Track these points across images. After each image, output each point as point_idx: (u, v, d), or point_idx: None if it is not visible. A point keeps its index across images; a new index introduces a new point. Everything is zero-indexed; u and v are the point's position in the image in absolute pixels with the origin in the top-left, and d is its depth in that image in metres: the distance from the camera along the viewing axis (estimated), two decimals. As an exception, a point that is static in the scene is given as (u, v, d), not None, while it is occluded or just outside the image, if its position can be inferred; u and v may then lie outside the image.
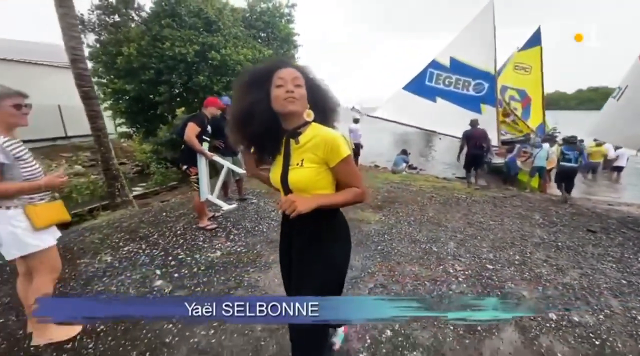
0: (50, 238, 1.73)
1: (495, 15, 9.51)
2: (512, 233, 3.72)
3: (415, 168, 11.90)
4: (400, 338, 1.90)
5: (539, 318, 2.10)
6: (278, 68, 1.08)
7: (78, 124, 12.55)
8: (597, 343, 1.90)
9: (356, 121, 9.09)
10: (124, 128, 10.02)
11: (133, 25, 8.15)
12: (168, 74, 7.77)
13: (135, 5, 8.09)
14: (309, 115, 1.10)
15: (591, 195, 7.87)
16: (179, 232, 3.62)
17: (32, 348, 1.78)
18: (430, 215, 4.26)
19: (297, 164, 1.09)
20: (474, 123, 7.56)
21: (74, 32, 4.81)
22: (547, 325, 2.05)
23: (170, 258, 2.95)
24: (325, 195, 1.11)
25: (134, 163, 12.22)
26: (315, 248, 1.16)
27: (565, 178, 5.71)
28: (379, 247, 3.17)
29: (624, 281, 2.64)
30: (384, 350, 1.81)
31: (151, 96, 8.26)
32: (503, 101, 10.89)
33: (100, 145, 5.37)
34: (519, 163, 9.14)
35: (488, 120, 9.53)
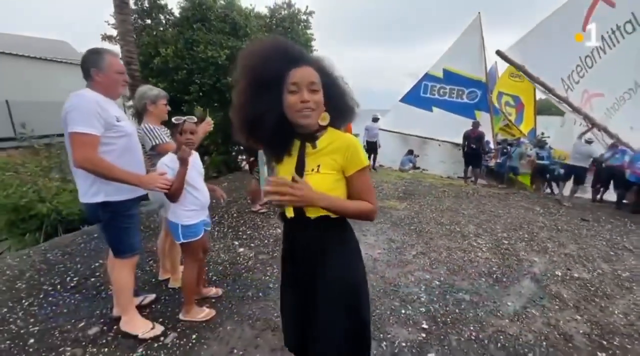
0: None
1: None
2: (519, 219, 4.38)
3: (418, 168, 12.57)
4: (446, 284, 2.52)
5: (548, 274, 2.76)
6: (292, 67, 0.91)
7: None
8: (592, 289, 2.55)
9: (375, 120, 9.08)
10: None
11: (161, 28, 8.64)
12: (199, 75, 8.28)
13: (167, 10, 8.60)
14: (324, 118, 0.96)
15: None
16: (235, 214, 4.18)
17: (170, 289, 2.35)
18: (447, 205, 4.91)
19: (313, 170, 0.96)
20: (475, 124, 8.27)
21: (129, 37, 5.34)
22: (554, 278, 2.70)
23: (240, 233, 3.52)
24: (337, 198, 0.96)
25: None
26: (332, 275, 0.99)
27: (539, 173, 6.51)
28: (412, 227, 3.79)
29: (612, 253, 3.32)
30: (437, 292, 2.43)
31: (178, 95, 8.72)
32: (500, 106, 11.64)
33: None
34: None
35: (483, 125, 10.35)
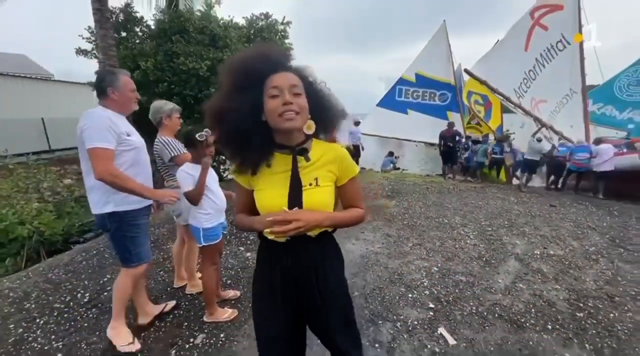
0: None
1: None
2: (498, 208, 4.81)
3: (399, 168, 13.08)
4: (444, 269, 2.79)
5: (529, 253, 3.11)
6: (272, 72, 0.86)
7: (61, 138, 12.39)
8: (566, 263, 2.93)
9: (357, 123, 9.57)
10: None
11: (138, 41, 8.54)
12: (181, 87, 8.27)
13: (143, 23, 8.53)
14: (309, 127, 0.90)
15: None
16: (233, 221, 4.25)
17: (188, 295, 2.43)
18: (433, 200, 5.26)
19: (311, 184, 0.91)
20: (449, 124, 8.85)
21: (112, 51, 5.28)
22: (534, 257, 3.05)
23: (243, 239, 3.62)
24: (335, 213, 0.96)
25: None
26: (334, 281, 1.01)
27: (495, 165, 7.96)
28: (405, 222, 4.07)
29: (579, 232, 3.77)
30: (436, 276, 2.68)
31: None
32: (470, 105, 12.46)
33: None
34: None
35: (456, 124, 11.09)
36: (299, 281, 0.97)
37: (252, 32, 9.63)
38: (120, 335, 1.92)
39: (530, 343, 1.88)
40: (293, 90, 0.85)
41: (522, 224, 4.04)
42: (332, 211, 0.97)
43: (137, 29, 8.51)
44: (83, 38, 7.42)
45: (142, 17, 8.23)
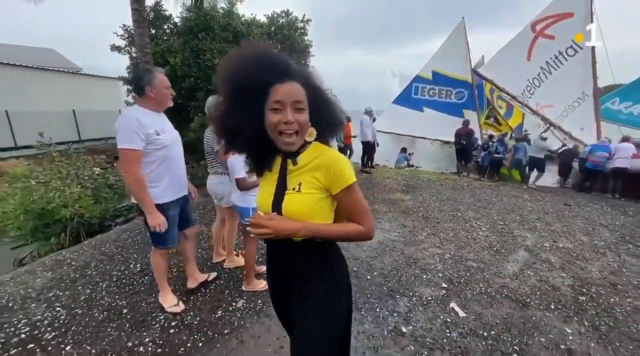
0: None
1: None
2: (511, 205, 4.95)
3: (412, 165, 13.17)
4: (456, 256, 3.01)
5: (538, 245, 3.29)
6: (276, 82, 0.85)
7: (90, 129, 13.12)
8: (574, 255, 3.10)
9: (368, 113, 7.79)
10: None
11: (165, 38, 8.97)
12: (205, 82, 8.65)
13: (171, 21, 8.94)
14: (310, 134, 0.90)
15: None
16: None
17: (226, 269, 2.76)
18: (447, 196, 5.44)
19: (294, 189, 0.90)
20: (465, 122, 8.91)
21: (147, 48, 5.67)
22: (543, 248, 3.23)
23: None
24: (316, 224, 0.91)
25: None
26: (311, 291, 0.97)
27: (495, 165, 8.14)
28: (419, 214, 4.29)
29: (590, 229, 3.90)
30: (449, 262, 2.91)
31: (185, 102, 9.01)
32: (492, 99, 12.35)
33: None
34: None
35: (471, 122, 11.14)
36: (282, 284, 1.04)
37: (272, 29, 9.92)
38: (166, 299, 2.26)
39: (533, 318, 2.10)
40: (296, 106, 0.84)
41: (533, 220, 4.19)
42: (327, 220, 0.94)
43: (165, 27, 8.95)
44: (118, 35, 7.89)
45: (170, 15, 8.65)
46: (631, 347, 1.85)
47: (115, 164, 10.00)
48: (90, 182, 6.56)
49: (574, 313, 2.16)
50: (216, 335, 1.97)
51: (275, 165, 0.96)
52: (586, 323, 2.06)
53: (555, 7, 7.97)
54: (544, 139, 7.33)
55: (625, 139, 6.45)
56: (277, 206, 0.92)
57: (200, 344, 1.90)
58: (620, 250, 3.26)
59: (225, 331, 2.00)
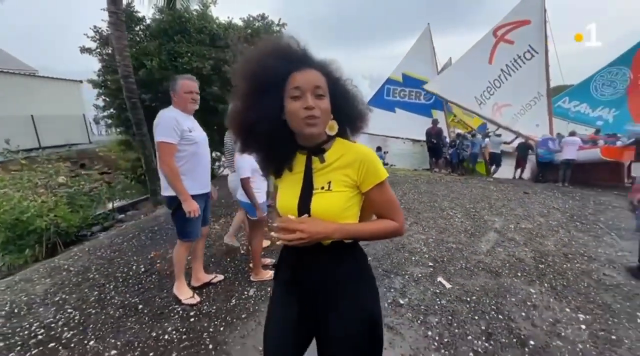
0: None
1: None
2: (479, 195, 5.52)
3: (387, 164, 13.80)
4: (438, 240, 3.40)
5: (505, 227, 3.79)
6: (293, 70, 0.80)
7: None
8: (533, 233, 3.63)
9: None
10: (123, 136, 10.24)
11: (138, 39, 8.75)
12: (184, 85, 8.52)
13: (145, 23, 8.74)
14: (331, 128, 0.86)
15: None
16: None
17: (232, 265, 2.92)
18: (424, 189, 5.92)
19: (323, 188, 0.84)
20: (434, 122, 9.60)
21: (126, 52, 5.58)
22: (509, 229, 3.73)
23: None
24: (352, 224, 0.86)
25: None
26: (346, 299, 0.88)
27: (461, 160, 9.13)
28: (402, 206, 4.65)
29: (545, 212, 4.52)
30: (432, 245, 3.29)
31: (163, 105, 8.83)
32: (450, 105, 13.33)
33: (144, 148, 6.09)
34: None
35: (440, 122, 12.03)
36: (308, 298, 0.90)
37: (249, 32, 9.99)
38: (182, 291, 2.39)
39: (505, 284, 2.51)
40: (316, 92, 0.79)
41: (500, 206, 4.75)
42: (355, 219, 0.88)
43: (138, 28, 8.72)
44: (88, 37, 7.58)
45: (143, 17, 8.44)
46: (580, 299, 2.30)
47: (83, 172, 9.53)
48: (64, 189, 6.30)
49: (536, 277, 2.61)
50: (235, 320, 2.15)
51: (298, 164, 0.89)
52: (546, 284, 2.50)
53: (515, 15, 8.78)
54: (498, 135, 8.36)
55: (572, 134, 7.38)
56: (304, 207, 0.85)
57: (222, 328, 2.07)
58: (570, 227, 3.85)
59: (243, 316, 2.18)
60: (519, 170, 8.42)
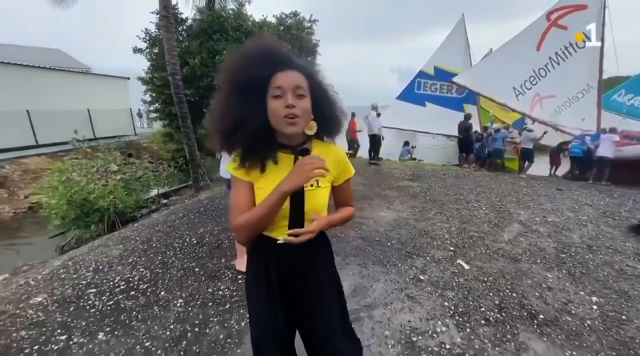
0: None
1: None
2: (508, 190, 5.51)
3: (414, 158, 13.68)
4: (460, 229, 3.57)
5: (530, 220, 3.86)
6: (276, 71, 0.84)
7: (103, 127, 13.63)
8: (559, 226, 3.66)
9: (375, 109, 9.00)
10: (167, 129, 11.13)
11: (181, 39, 9.45)
12: (221, 81, 9.18)
13: (187, 24, 9.42)
14: (311, 128, 0.91)
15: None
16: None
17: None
18: (450, 183, 5.99)
19: (312, 185, 0.93)
20: (466, 116, 9.43)
21: (174, 51, 6.17)
22: (535, 222, 3.79)
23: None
24: (333, 215, 1.01)
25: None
26: (328, 280, 1.07)
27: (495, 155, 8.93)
28: (427, 197, 4.85)
29: (576, 207, 4.46)
30: (455, 232, 3.47)
31: (202, 99, 9.55)
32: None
33: (188, 139, 6.71)
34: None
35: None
36: (295, 280, 1.00)
37: (281, 29, 10.40)
38: (242, 264, 2.81)
39: (522, 269, 2.66)
40: (297, 92, 0.84)
41: (527, 201, 4.75)
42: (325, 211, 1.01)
43: (181, 29, 9.43)
44: (140, 38, 8.39)
45: (186, 18, 9.13)
46: (597, 285, 2.41)
47: (131, 160, 10.55)
48: (120, 175, 7.11)
49: (555, 265, 2.73)
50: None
51: (284, 163, 0.93)
52: (564, 271, 2.62)
53: None
54: (531, 131, 8.04)
55: (612, 130, 6.99)
56: (298, 204, 0.92)
57: (265, 289, 2.45)
58: (600, 222, 3.82)
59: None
60: (553, 167, 8.13)
